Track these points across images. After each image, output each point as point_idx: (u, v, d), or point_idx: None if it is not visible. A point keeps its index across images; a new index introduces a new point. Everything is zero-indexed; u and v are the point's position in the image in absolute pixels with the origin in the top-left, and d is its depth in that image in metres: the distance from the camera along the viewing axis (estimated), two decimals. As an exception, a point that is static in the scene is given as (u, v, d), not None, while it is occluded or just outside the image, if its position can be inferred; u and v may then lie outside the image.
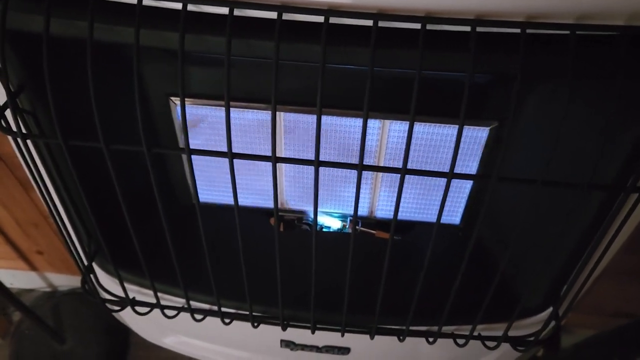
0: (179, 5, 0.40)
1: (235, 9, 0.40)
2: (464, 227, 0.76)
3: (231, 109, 0.43)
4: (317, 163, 0.44)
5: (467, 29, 0.39)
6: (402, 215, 0.75)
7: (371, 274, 0.69)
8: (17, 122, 0.47)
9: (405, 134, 0.63)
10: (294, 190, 0.76)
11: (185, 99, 0.42)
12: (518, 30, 0.39)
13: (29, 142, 0.51)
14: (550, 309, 0.67)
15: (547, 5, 0.39)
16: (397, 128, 0.63)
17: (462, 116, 0.41)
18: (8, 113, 0.48)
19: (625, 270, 0.97)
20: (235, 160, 0.45)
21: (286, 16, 0.41)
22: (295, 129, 0.66)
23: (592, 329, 1.18)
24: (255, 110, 0.64)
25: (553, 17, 0.39)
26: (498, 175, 0.44)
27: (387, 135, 0.64)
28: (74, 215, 0.62)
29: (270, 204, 0.79)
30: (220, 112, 0.65)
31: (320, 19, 0.40)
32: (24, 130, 0.48)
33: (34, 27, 0.43)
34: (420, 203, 0.74)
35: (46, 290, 1.43)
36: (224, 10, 0.41)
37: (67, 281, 1.39)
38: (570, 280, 0.60)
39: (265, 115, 0.64)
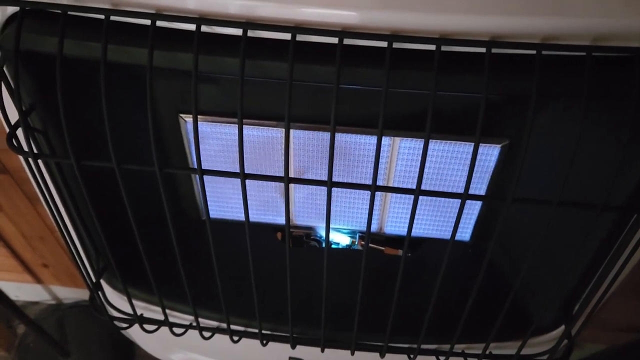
0: (192, 27, 0.40)
1: (248, 30, 0.40)
2: (474, 244, 0.76)
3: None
4: (330, 184, 0.44)
5: (482, 50, 0.39)
6: (412, 232, 0.75)
7: (380, 290, 0.68)
8: (28, 142, 0.46)
9: (416, 151, 0.63)
10: (302, 207, 0.75)
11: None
12: (533, 52, 0.39)
13: (39, 161, 0.51)
14: (562, 326, 0.66)
15: (563, 27, 0.38)
16: (407, 145, 0.63)
17: (478, 138, 0.40)
18: (19, 132, 0.48)
19: (636, 285, 0.96)
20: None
21: (300, 37, 0.41)
22: (304, 144, 0.65)
23: (601, 343, 1.17)
24: (264, 128, 0.64)
25: (569, 38, 0.39)
26: (513, 197, 0.43)
27: (397, 153, 0.64)
28: (83, 232, 0.62)
29: (277, 219, 0.78)
30: (230, 128, 0.65)
31: (334, 40, 0.40)
32: (35, 150, 0.48)
33: (47, 48, 0.43)
34: (430, 219, 0.73)
35: (51, 303, 1.42)
36: (238, 32, 0.41)
37: (72, 294, 1.39)
38: (583, 299, 0.59)
39: (274, 132, 0.64)
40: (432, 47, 0.39)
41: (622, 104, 0.47)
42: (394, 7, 0.39)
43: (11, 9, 0.43)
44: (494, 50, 0.39)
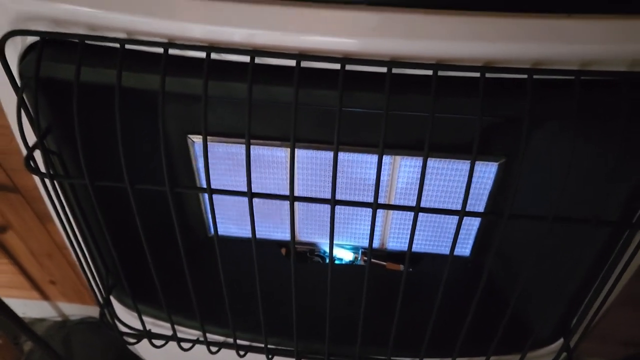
0: (202, 54, 0.43)
1: (256, 58, 0.43)
2: (474, 259, 0.77)
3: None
4: (333, 202, 0.46)
5: (477, 74, 0.41)
6: (413, 248, 0.76)
7: (382, 305, 0.70)
8: (46, 164, 0.49)
9: (416, 169, 0.65)
10: (305, 223, 0.77)
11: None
12: (525, 76, 0.41)
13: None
14: (561, 340, 0.67)
15: (553, 53, 0.41)
16: (407, 163, 0.65)
17: (473, 157, 0.42)
18: (36, 154, 0.50)
19: (635, 298, 0.97)
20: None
21: (304, 64, 0.43)
22: (307, 162, 0.67)
23: (601, 357, 1.18)
24: (270, 147, 0.66)
25: (558, 63, 0.41)
26: (510, 213, 0.45)
27: (397, 170, 0.66)
28: (94, 250, 0.64)
29: (281, 235, 0.80)
30: (236, 148, 0.67)
31: (336, 66, 0.42)
32: (51, 171, 0.50)
33: (64, 75, 0.45)
34: (430, 235, 0.75)
35: (57, 319, 1.43)
36: (245, 59, 0.43)
37: (79, 310, 1.40)
38: (581, 312, 0.61)
39: (280, 151, 0.66)
40: (430, 72, 0.42)
41: (611, 124, 0.49)
42: (393, 35, 0.41)
43: (31, 39, 0.46)
44: (487, 75, 0.41)
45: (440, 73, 0.42)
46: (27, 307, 1.39)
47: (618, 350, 1.13)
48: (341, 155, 0.65)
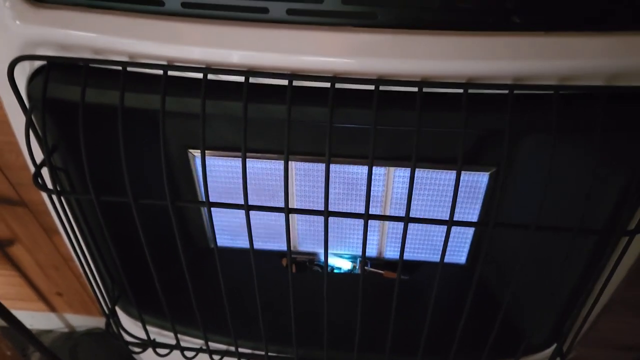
0: (199, 75, 0.45)
1: (250, 78, 0.45)
2: (470, 267, 0.79)
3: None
4: (327, 213, 0.48)
5: (460, 90, 0.44)
6: (408, 256, 0.78)
7: (381, 312, 0.71)
8: (53, 181, 0.51)
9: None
10: (305, 233, 0.79)
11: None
12: (506, 91, 0.43)
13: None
14: (555, 345, 0.69)
15: (531, 70, 0.43)
16: (401, 174, 0.67)
17: (459, 170, 0.44)
18: (43, 172, 0.53)
19: (632, 303, 0.98)
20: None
21: (296, 83, 0.45)
22: (304, 174, 0.70)
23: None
24: (267, 160, 0.68)
25: (537, 78, 0.43)
26: (495, 222, 0.47)
27: (392, 181, 0.68)
28: (100, 262, 0.66)
29: (281, 246, 0.82)
30: (235, 161, 0.69)
31: (327, 84, 0.44)
32: (58, 187, 0.52)
33: (70, 96, 0.48)
34: (426, 244, 0.77)
35: (64, 331, 1.46)
36: (240, 79, 0.45)
37: (85, 321, 1.42)
38: (572, 316, 0.62)
39: (277, 164, 0.69)
40: (415, 89, 0.44)
41: (590, 136, 0.50)
42: (380, 54, 0.43)
43: (38, 62, 0.48)
44: (470, 91, 0.43)
45: (425, 90, 0.44)
46: (34, 318, 1.42)
47: (615, 355, 1.14)
48: (339, 167, 0.67)
